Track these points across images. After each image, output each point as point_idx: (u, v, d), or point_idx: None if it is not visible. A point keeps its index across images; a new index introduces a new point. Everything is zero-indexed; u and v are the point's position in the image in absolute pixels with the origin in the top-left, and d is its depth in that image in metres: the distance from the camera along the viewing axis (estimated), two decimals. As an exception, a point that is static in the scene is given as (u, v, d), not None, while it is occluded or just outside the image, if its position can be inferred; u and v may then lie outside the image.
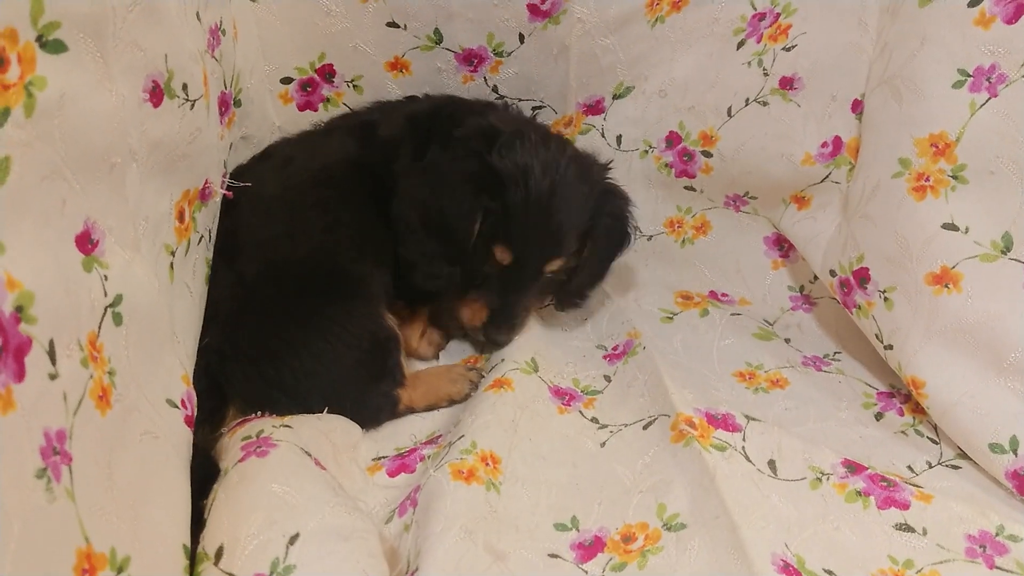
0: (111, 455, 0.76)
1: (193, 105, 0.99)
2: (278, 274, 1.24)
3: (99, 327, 0.78)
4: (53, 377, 0.69)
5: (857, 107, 1.43)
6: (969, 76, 1.21)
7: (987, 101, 1.20)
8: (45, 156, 0.72)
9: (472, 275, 1.36)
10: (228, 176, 1.25)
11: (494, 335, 1.40)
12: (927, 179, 1.26)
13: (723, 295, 1.66)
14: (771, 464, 1.17)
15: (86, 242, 0.79)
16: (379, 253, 1.33)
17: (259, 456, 0.98)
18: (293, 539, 0.87)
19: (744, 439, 1.20)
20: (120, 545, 0.74)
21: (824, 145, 1.48)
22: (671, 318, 1.59)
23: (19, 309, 0.66)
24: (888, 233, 1.31)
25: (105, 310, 0.80)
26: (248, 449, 1.00)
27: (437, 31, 1.41)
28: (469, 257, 1.33)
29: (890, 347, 1.33)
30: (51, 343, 0.69)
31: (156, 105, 0.91)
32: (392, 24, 1.40)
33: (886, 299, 1.33)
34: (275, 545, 0.86)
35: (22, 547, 0.61)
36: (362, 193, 1.34)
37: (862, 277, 1.37)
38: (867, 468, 1.17)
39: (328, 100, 1.51)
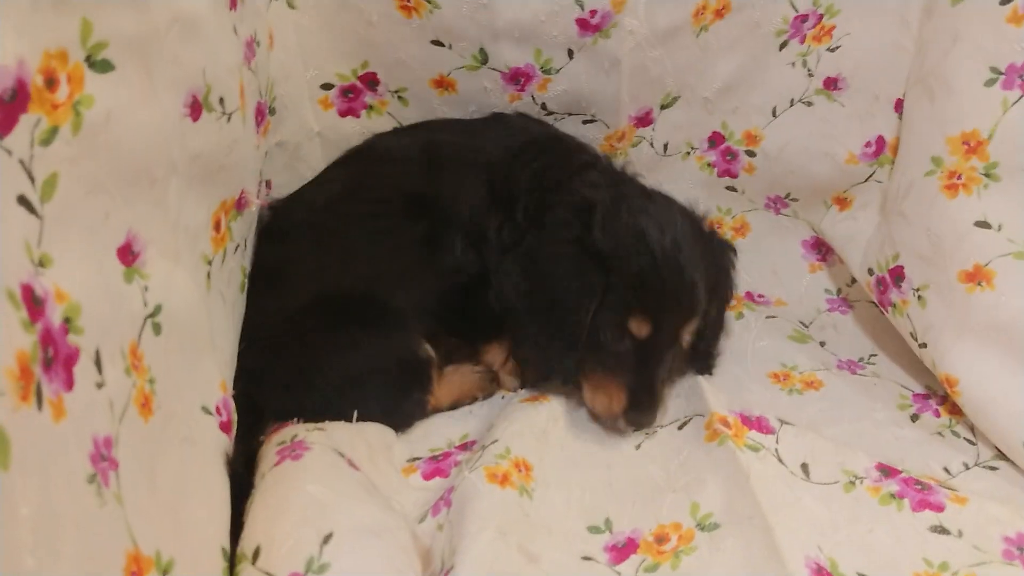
0: (153, 461, 0.79)
1: (230, 118, 1.01)
2: (322, 306, 1.25)
3: (139, 336, 0.81)
4: (100, 386, 0.71)
5: (899, 106, 1.44)
6: (1001, 74, 1.21)
7: (1020, 99, 1.20)
8: (90, 171, 0.75)
9: (599, 358, 1.24)
10: (269, 189, 1.28)
11: (638, 419, 1.24)
12: (959, 177, 1.26)
13: (759, 296, 1.66)
14: (804, 467, 1.17)
15: (127, 253, 0.81)
16: (422, 289, 1.32)
17: (294, 459, 1.01)
18: (327, 538, 0.89)
19: (777, 441, 1.20)
20: (164, 548, 0.76)
21: (867, 144, 1.49)
22: (706, 320, 1.59)
23: (67, 320, 0.68)
24: (921, 231, 1.30)
25: (145, 320, 0.82)
26: (283, 453, 1.02)
27: (482, 51, 1.39)
28: (594, 340, 1.23)
29: (924, 345, 1.32)
30: (97, 353, 0.72)
31: (195, 119, 0.94)
32: (436, 42, 1.38)
33: (920, 297, 1.32)
34: (310, 544, 0.88)
35: (76, 551, 0.63)
36: (419, 230, 1.33)
37: (897, 275, 1.36)
38: (901, 472, 1.16)
39: (371, 108, 1.51)
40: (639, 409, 1.23)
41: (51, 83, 0.69)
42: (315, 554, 0.87)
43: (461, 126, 1.48)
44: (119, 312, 0.78)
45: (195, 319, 0.95)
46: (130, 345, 0.79)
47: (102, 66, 0.76)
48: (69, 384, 0.67)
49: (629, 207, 1.24)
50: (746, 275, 1.69)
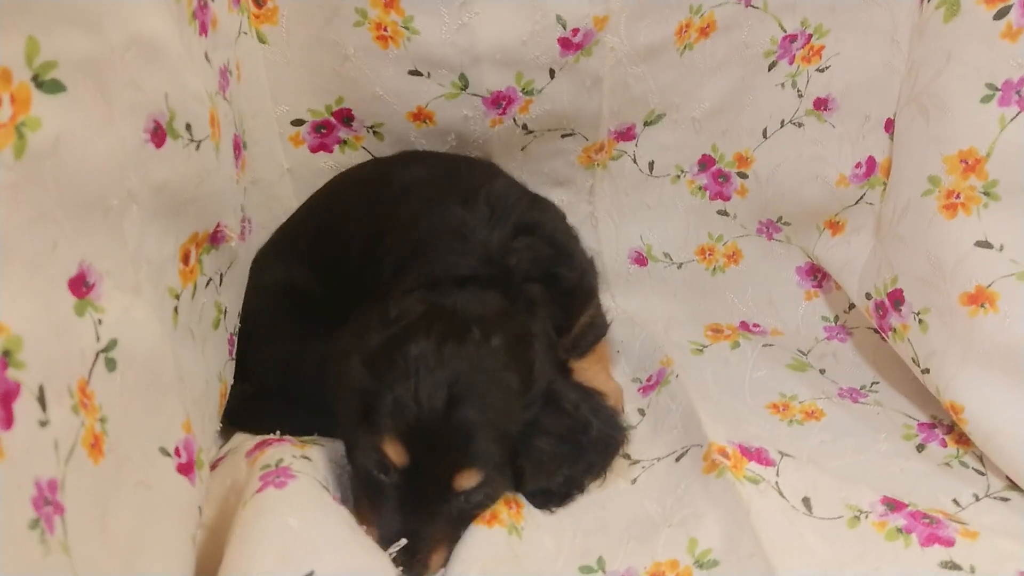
0: (105, 506, 0.74)
1: (199, 146, 0.97)
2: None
3: (89, 373, 0.76)
4: (44, 424, 0.66)
5: (890, 127, 1.41)
6: (997, 90, 1.17)
7: (1017, 115, 1.16)
8: (34, 198, 0.70)
9: (364, 474, 1.06)
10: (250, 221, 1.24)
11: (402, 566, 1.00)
12: (958, 196, 1.22)
13: (755, 326, 1.62)
14: (806, 502, 1.11)
15: (80, 285, 0.77)
16: None
17: (277, 487, 0.95)
18: None
19: (778, 474, 1.15)
20: (114, 597, 0.71)
21: (858, 166, 1.46)
22: (701, 350, 1.55)
23: (6, 354, 0.64)
24: (920, 253, 1.26)
25: (97, 355, 0.77)
26: (267, 480, 0.97)
27: (463, 76, 1.36)
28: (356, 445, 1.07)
29: (927, 371, 1.27)
30: (41, 389, 0.67)
31: (159, 146, 0.90)
32: (415, 72, 1.36)
33: (920, 321, 1.28)
34: None
35: None
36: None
37: (896, 299, 1.32)
38: (908, 505, 1.10)
39: (346, 143, 1.48)
40: (399, 560, 1.00)
41: (-8, 103, 0.65)
42: (294, 593, 0.82)
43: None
44: (68, 347, 0.73)
45: (157, 356, 0.90)
46: (79, 382, 0.74)
47: (51, 87, 0.72)
48: (8, 422, 0.62)
49: (424, 335, 1.04)
50: (740, 304, 1.65)
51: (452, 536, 1.05)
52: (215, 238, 1.09)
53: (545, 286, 1.21)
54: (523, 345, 1.10)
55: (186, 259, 1.01)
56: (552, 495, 1.14)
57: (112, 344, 0.80)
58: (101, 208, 0.80)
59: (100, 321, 0.79)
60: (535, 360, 1.10)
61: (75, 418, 0.71)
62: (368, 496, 1.05)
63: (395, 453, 1.00)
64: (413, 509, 1.02)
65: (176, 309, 0.99)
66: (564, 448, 1.10)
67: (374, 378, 1.03)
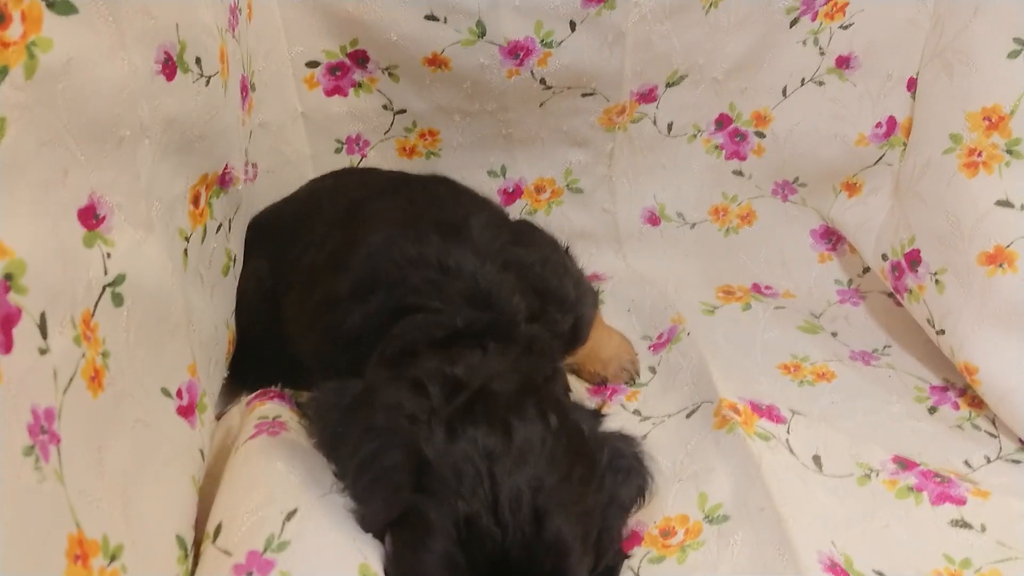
0: (102, 440, 0.73)
1: (208, 81, 0.95)
2: None
3: (95, 306, 0.75)
4: (43, 352, 0.65)
5: (912, 85, 1.38)
6: (1025, 45, 1.15)
7: (1044, 71, 1.14)
8: (45, 121, 0.69)
9: None
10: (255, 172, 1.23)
11: None
12: (979, 154, 1.19)
13: (766, 288, 1.60)
14: (816, 459, 1.10)
15: (90, 216, 0.76)
16: None
17: (270, 435, 0.95)
18: (290, 515, 0.83)
19: (788, 431, 1.13)
20: (113, 533, 0.71)
21: (878, 125, 1.44)
22: (712, 311, 1.53)
23: (8, 277, 0.62)
24: (939, 212, 1.24)
25: (104, 289, 0.76)
26: (261, 428, 0.96)
27: (480, 23, 1.32)
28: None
29: (942, 332, 1.26)
30: (43, 316, 0.66)
31: (169, 78, 0.88)
32: (431, 17, 1.32)
33: (937, 281, 1.26)
34: (272, 522, 0.83)
35: (12, 528, 0.58)
36: None
37: (913, 259, 1.30)
38: (919, 464, 1.10)
39: (360, 85, 1.45)
40: None
41: (2, 18, 0.64)
42: (276, 531, 0.82)
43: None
44: (74, 277, 0.72)
45: (166, 295, 0.89)
46: (83, 314, 0.73)
47: (63, 7, 0.70)
48: (7, 346, 0.61)
49: (484, 420, 0.84)
50: (752, 265, 1.63)
51: None
52: (224, 180, 1.07)
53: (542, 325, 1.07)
54: (567, 414, 0.92)
55: (196, 201, 1.00)
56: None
57: (120, 279, 0.79)
58: (113, 138, 0.78)
59: (109, 255, 0.78)
60: (583, 427, 0.93)
61: (76, 349, 0.70)
62: None
63: None
64: None
65: (186, 251, 0.97)
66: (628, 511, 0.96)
67: (436, 468, 0.81)
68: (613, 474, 0.91)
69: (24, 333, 0.63)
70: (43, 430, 0.63)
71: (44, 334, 0.66)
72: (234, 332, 1.18)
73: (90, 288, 0.75)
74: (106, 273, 0.77)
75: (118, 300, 0.79)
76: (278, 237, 1.27)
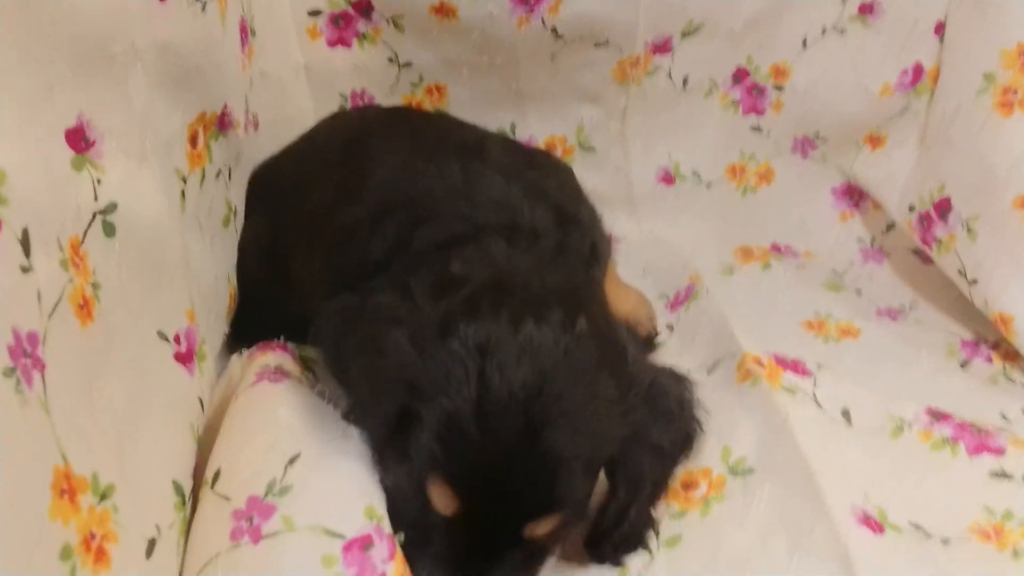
0: (91, 375, 0.69)
1: (204, 7, 0.90)
2: None
3: (84, 233, 0.70)
4: (26, 271, 0.61)
5: (940, 30, 1.33)
6: (1064, -25, 1.10)
7: (1083, 2, 1.09)
8: (29, 33, 0.65)
9: (414, 520, 0.79)
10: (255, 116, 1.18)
11: None
12: (1015, 93, 1.15)
13: (786, 248, 1.55)
14: (845, 413, 1.05)
15: (79, 139, 0.71)
16: None
17: (272, 382, 0.90)
18: (293, 459, 0.79)
19: (815, 385, 1.08)
20: (103, 472, 0.66)
21: (904, 73, 1.38)
22: (730, 272, 1.48)
23: (-15, 184, 0.58)
24: (971, 157, 1.20)
25: (94, 216, 0.72)
26: (263, 375, 0.92)
27: None
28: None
29: (975, 282, 1.21)
30: (25, 232, 0.61)
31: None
32: None
33: (969, 230, 1.21)
34: (273, 467, 0.78)
35: None
36: None
37: (943, 208, 1.25)
38: (953, 416, 1.04)
39: (365, 36, 1.39)
40: None
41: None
42: (278, 476, 0.78)
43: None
44: (61, 199, 0.68)
45: (162, 233, 0.84)
46: (71, 239, 0.68)
47: (45, -88, 0.66)
48: (-17, 256, 0.57)
49: (490, 311, 0.77)
50: (771, 226, 1.57)
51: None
52: (223, 123, 1.02)
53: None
54: (611, 327, 0.85)
55: (194, 141, 0.95)
56: (630, 539, 0.89)
57: (111, 207, 0.75)
58: (102, 56, 0.74)
59: (99, 181, 0.73)
60: (627, 348, 0.84)
61: (63, 274, 0.66)
62: (405, 530, 0.78)
63: (442, 501, 0.75)
64: (467, 556, 0.78)
65: (183, 194, 0.92)
66: (667, 467, 0.89)
67: (423, 369, 0.75)
68: (651, 411, 0.83)
69: (3, 247, 0.59)
70: (26, 354, 0.59)
71: (27, 251, 0.61)
72: (235, 288, 1.14)
73: (79, 214, 0.70)
74: (96, 199, 0.73)
75: (109, 230, 0.74)
76: (274, 191, 1.21)
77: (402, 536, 0.77)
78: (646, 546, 0.89)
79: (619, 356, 0.82)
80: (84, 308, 0.68)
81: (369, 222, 0.95)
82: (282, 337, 1.06)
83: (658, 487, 0.90)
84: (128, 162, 0.78)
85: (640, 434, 0.82)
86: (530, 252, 0.90)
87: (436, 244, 0.90)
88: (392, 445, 0.78)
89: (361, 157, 1.05)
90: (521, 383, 0.73)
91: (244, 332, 1.14)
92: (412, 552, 0.77)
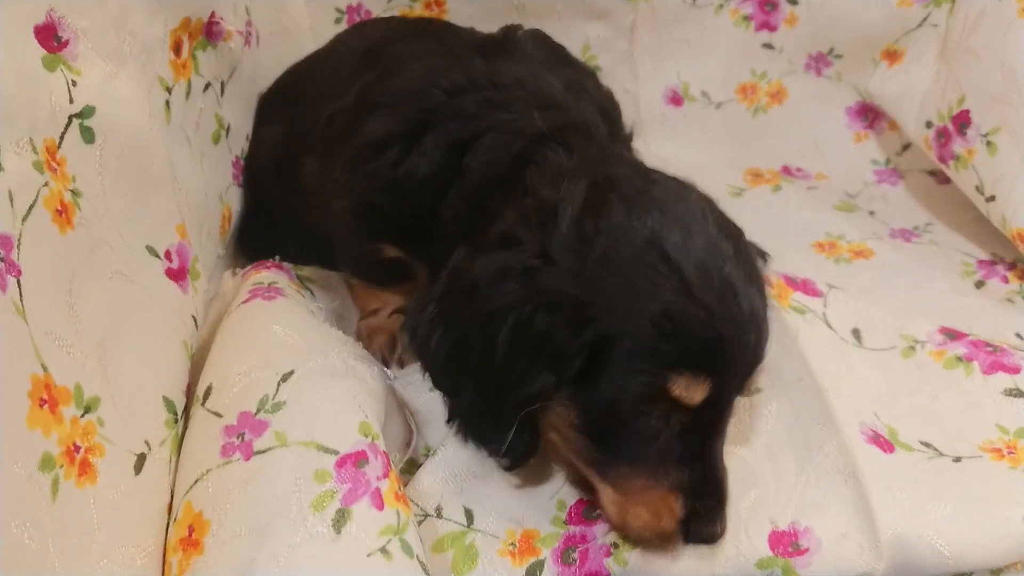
0: (73, 283, 0.66)
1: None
2: None
3: (61, 137, 0.68)
4: (-6, 168, 0.58)
5: (961, -65, 1.26)
6: None
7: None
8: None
9: (622, 448, 0.76)
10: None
11: (708, 533, 0.76)
12: (1042, -2, 1.09)
13: (797, 170, 1.50)
14: (856, 333, 1.02)
15: (50, 38, 0.68)
16: None
17: (265, 300, 0.88)
18: (286, 376, 0.77)
19: (826, 305, 1.05)
20: (88, 384, 0.64)
21: (924, -19, 1.33)
22: (740, 194, 1.45)
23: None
24: (994, 65, 1.15)
25: (70, 120, 0.69)
26: (256, 292, 0.90)
27: None
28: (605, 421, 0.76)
29: (992, 199, 1.17)
30: (-9, 126, 0.58)
31: None
32: None
33: (989, 143, 1.17)
34: (266, 383, 0.77)
35: None
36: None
37: (962, 122, 1.20)
38: (968, 335, 1.02)
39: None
40: (707, 518, 0.76)
41: None
42: (271, 392, 0.76)
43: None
44: (32, 99, 0.65)
45: (145, 142, 0.81)
46: (47, 142, 0.66)
47: None
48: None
49: (623, 203, 0.75)
50: (782, 147, 1.53)
51: None
52: (211, 32, 0.98)
53: None
54: (710, 203, 0.83)
55: (177, 49, 0.92)
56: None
57: (89, 111, 0.72)
58: (71, -49, 0.70)
59: (74, 83, 0.70)
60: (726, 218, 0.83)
61: (38, 176, 0.63)
62: (625, 458, 0.76)
63: (697, 391, 0.72)
64: (703, 441, 0.76)
65: (168, 104, 0.89)
66: None
67: (607, 298, 0.71)
68: None
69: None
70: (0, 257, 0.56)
71: (-7, 147, 0.58)
72: (230, 210, 1.11)
73: (54, 115, 0.67)
74: (72, 102, 0.70)
75: (88, 136, 0.71)
76: (293, 98, 1.15)
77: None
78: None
79: (725, 221, 0.81)
80: (63, 214, 0.65)
81: (405, 138, 0.89)
82: (278, 257, 1.04)
83: None
84: (106, 65, 0.75)
85: None
86: (592, 147, 0.86)
87: (494, 175, 0.85)
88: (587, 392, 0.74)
89: (385, 61, 0.98)
90: (705, 251, 0.73)
91: (251, 246, 1.12)
92: (653, 470, 0.76)
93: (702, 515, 0.75)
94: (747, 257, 0.78)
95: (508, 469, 0.83)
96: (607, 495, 0.78)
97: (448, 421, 0.83)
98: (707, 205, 0.80)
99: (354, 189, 0.93)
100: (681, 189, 0.80)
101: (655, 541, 0.77)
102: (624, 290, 0.71)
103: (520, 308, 0.73)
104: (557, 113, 0.88)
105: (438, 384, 0.81)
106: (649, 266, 0.71)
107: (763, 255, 0.91)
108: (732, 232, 0.79)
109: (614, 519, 0.78)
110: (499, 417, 0.76)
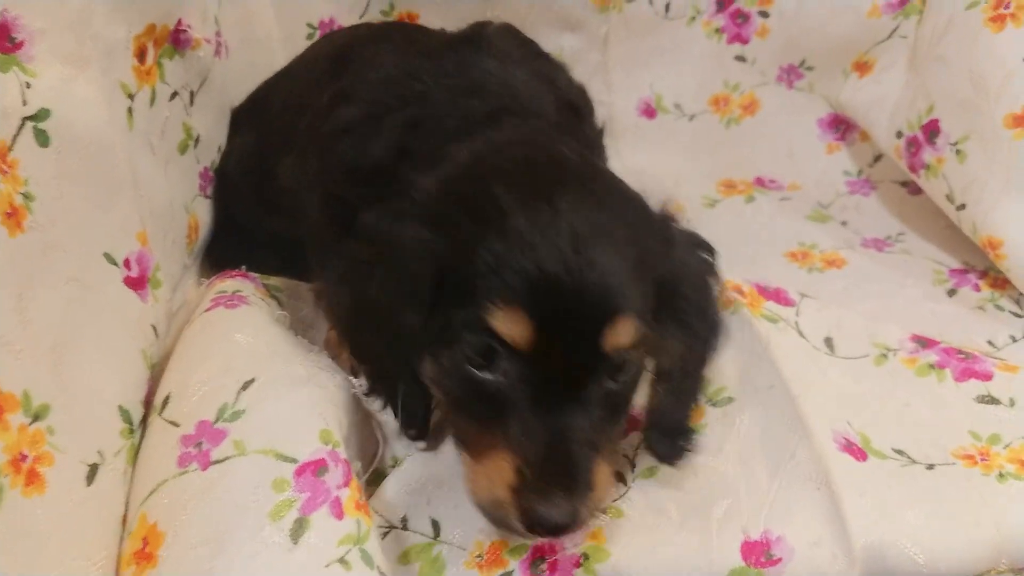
0: (23, 287, 0.65)
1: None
2: None
3: (13, 140, 0.66)
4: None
5: (928, -55, 1.27)
6: None
7: (1080, -90, 1.03)
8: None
9: (468, 400, 0.74)
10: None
11: (542, 511, 0.69)
12: (1007, 6, 1.11)
13: (771, 181, 1.51)
14: (828, 342, 1.02)
15: (3, 38, 0.67)
16: None
17: (228, 308, 0.87)
18: (247, 384, 0.76)
19: (798, 314, 1.05)
20: (37, 390, 0.63)
21: (892, -8, 1.34)
22: (713, 205, 1.45)
23: None
24: (962, 73, 1.15)
25: (23, 122, 0.68)
26: (219, 301, 0.88)
27: None
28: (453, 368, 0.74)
29: (963, 207, 1.17)
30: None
31: None
32: None
33: (958, 151, 1.17)
34: (226, 391, 0.75)
35: None
36: None
37: (932, 131, 1.21)
38: (940, 342, 1.01)
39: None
40: (542, 493, 0.69)
41: None
42: (230, 400, 0.74)
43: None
44: (-17, 99, 0.63)
45: (105, 146, 0.80)
46: (-2, 142, 0.63)
47: None
48: None
49: (501, 174, 0.76)
50: (756, 158, 1.53)
51: (611, 439, 0.77)
52: (177, 40, 0.97)
53: None
54: (619, 181, 0.83)
55: (141, 56, 0.90)
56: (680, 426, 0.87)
57: (44, 114, 0.70)
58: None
59: (29, 84, 0.69)
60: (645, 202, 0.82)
61: (-12, 177, 0.61)
62: (473, 414, 0.74)
63: (515, 326, 0.69)
64: (553, 405, 0.71)
65: (130, 110, 0.88)
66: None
67: (450, 236, 0.72)
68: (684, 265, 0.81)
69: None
70: (-60, 256, 0.55)
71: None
72: (197, 220, 1.09)
73: (6, 117, 0.66)
74: (25, 103, 0.68)
75: (43, 139, 0.70)
76: (263, 110, 1.17)
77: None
78: (693, 433, 0.87)
79: (640, 200, 0.81)
80: (12, 217, 0.64)
81: (366, 121, 0.89)
82: (244, 267, 1.03)
83: (697, 370, 0.86)
84: (63, 68, 0.74)
85: (680, 275, 0.80)
86: (526, 127, 0.86)
87: (433, 148, 0.85)
88: (433, 324, 0.73)
89: (354, 63, 0.99)
90: (557, 211, 0.71)
91: (222, 256, 1.10)
92: (480, 430, 0.73)
93: (537, 489, 0.68)
94: (635, 234, 0.75)
95: (417, 440, 0.83)
96: (464, 460, 0.76)
97: (366, 394, 0.82)
98: (629, 199, 0.79)
99: (322, 177, 0.92)
100: (597, 174, 0.80)
101: (493, 513, 0.72)
102: (479, 233, 0.71)
103: (388, 254, 0.74)
104: (504, 101, 0.88)
105: (353, 352, 0.81)
106: (493, 206, 0.71)
107: (710, 250, 0.88)
108: (634, 213, 0.78)
109: (468, 489, 0.75)
110: (391, 376, 0.77)
